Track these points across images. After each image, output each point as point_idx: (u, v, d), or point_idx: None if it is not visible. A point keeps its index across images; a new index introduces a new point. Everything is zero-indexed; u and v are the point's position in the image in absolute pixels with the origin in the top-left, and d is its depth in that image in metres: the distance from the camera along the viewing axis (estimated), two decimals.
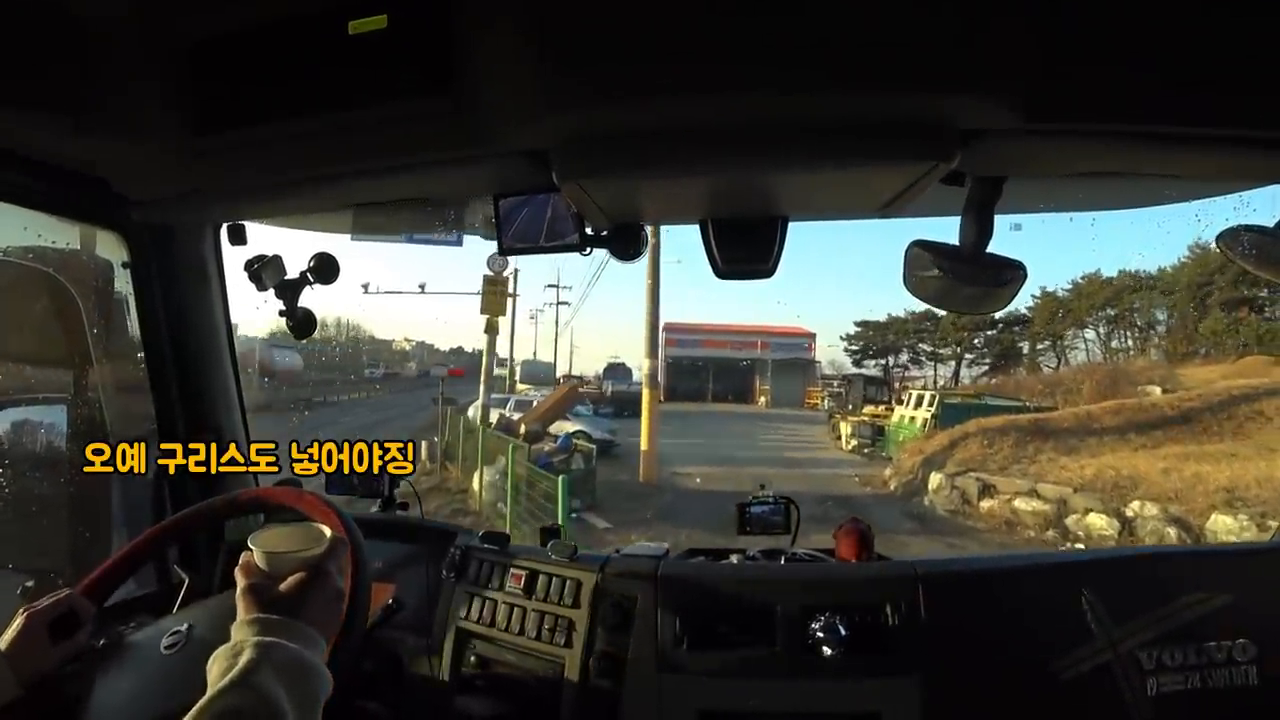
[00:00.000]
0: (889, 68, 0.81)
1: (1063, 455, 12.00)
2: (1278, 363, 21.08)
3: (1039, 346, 32.31)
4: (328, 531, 0.85)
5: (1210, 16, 0.77)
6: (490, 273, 12.96)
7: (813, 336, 36.76)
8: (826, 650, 1.22)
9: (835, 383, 29.60)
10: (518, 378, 24.85)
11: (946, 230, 1.10)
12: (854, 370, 33.77)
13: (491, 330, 13.76)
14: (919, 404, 17.50)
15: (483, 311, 13.28)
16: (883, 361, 37.03)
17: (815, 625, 1.24)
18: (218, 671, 0.68)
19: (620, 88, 0.86)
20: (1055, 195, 1.30)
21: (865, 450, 17.69)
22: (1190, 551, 1.87)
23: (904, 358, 36.93)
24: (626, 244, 1.28)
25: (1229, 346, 24.71)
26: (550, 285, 35.27)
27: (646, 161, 0.95)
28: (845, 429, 19.54)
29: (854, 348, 37.85)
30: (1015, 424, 13.65)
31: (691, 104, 0.87)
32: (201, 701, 0.65)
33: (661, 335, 35.90)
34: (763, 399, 33.65)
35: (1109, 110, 0.83)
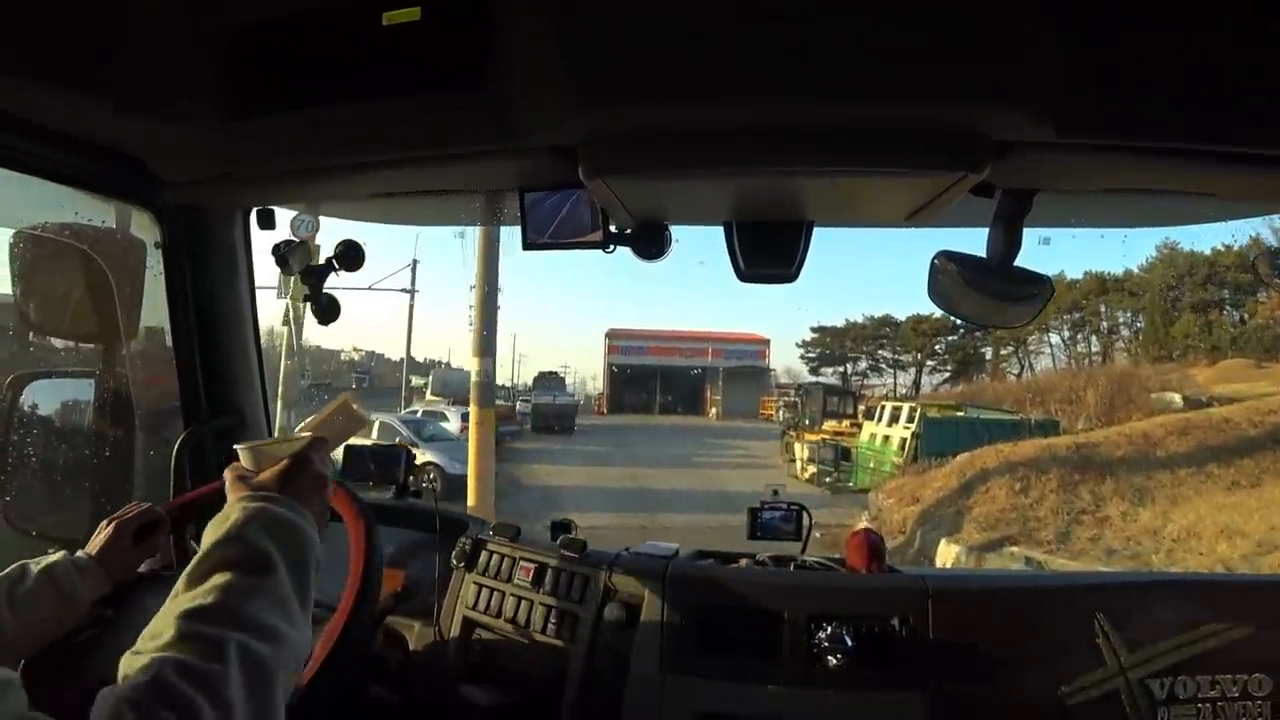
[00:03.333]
0: (921, 77, 0.80)
1: (1140, 506, 8.06)
2: (1258, 365, 19.85)
3: (1003, 352, 31.35)
4: (305, 436, 0.91)
5: (1244, 35, 0.75)
6: (295, 239, 5.94)
7: (767, 343, 35.16)
8: (831, 660, 1.21)
9: (791, 392, 26.45)
10: (429, 389, 22.69)
11: (966, 240, 1.09)
12: (811, 379, 31.17)
13: (295, 320, 9.66)
14: (894, 419, 14.13)
15: (281, 295, 8.92)
16: (841, 369, 35.56)
17: (822, 634, 1.23)
18: (210, 536, 0.71)
19: (651, 87, 0.86)
20: (1086, 210, 1.28)
21: (826, 479, 13.81)
22: (1209, 580, 1.83)
23: (863, 365, 35.56)
24: (650, 243, 1.28)
25: (1201, 350, 23.59)
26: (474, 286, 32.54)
27: (674, 161, 0.95)
28: (801, 450, 15.46)
29: (811, 355, 36.37)
30: (1052, 452, 9.47)
31: (722, 106, 0.87)
32: (195, 559, 0.68)
33: (604, 342, 34.72)
34: (714, 410, 31.91)
35: (1142, 126, 0.82)
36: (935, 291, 1.07)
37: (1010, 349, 31.03)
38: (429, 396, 21.39)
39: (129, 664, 0.59)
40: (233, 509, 0.74)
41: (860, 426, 16.15)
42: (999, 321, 1.14)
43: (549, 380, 27.52)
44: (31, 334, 1.64)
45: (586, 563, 1.40)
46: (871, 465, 13.66)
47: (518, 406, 24.56)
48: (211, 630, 0.61)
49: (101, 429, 1.58)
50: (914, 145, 0.88)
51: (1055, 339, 30.24)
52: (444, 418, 15.89)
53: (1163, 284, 26.01)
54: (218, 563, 0.67)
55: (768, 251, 1.25)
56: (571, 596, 1.37)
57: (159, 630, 0.61)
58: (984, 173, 0.90)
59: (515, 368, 36.71)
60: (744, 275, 1.27)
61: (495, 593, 1.43)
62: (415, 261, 21.69)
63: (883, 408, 15.40)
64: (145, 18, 0.99)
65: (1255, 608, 1.26)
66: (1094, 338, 29.68)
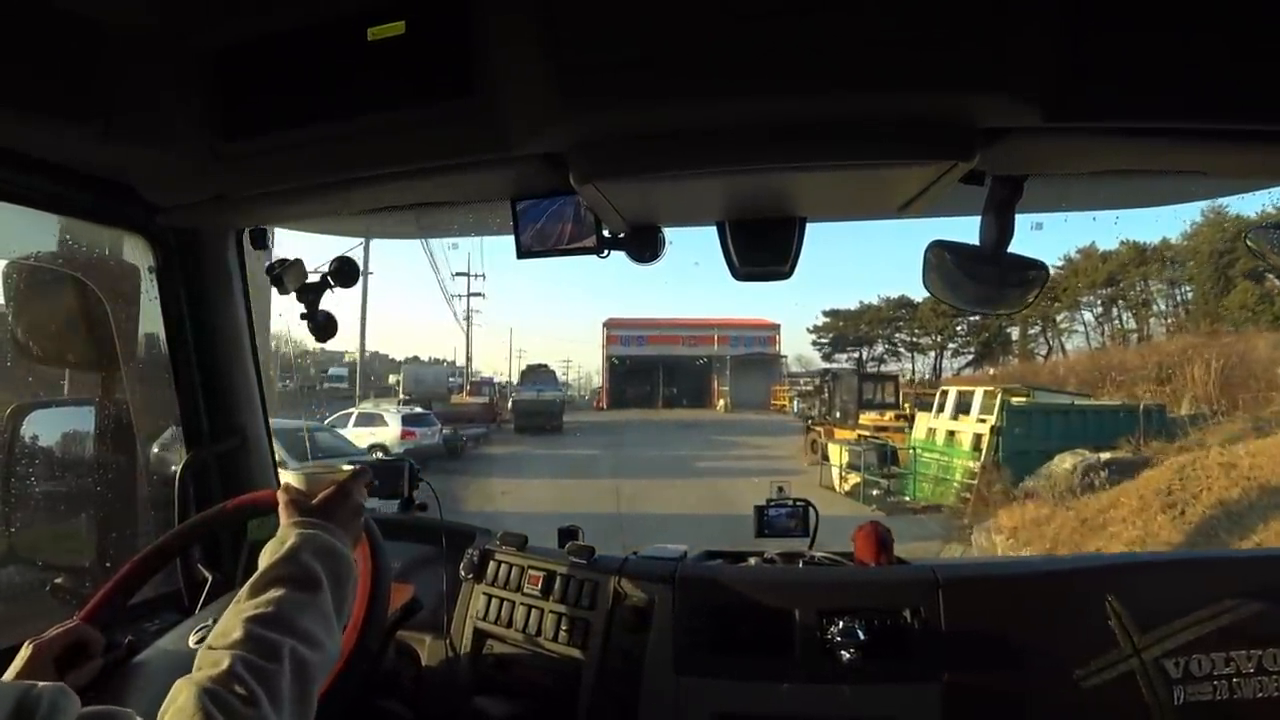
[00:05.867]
0: (908, 67, 0.81)
1: None
2: None
3: (1030, 331, 29.29)
4: (348, 468, 1.03)
5: (1228, 10, 0.75)
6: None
7: (777, 328, 33.03)
8: (845, 655, 1.21)
9: (802, 380, 24.03)
10: (401, 387, 20.79)
11: (958, 229, 1.08)
12: (823, 365, 29.19)
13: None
14: (962, 409, 11.01)
15: None
16: (856, 354, 33.55)
17: (834, 629, 1.23)
18: (269, 555, 0.83)
19: (638, 90, 0.86)
20: (1077, 194, 1.28)
21: (874, 492, 10.65)
22: (1220, 558, 1.82)
23: (879, 349, 33.60)
24: (644, 246, 1.28)
25: (1263, 321, 20.68)
26: (460, 274, 29.52)
27: (664, 163, 0.95)
28: (839, 454, 12.01)
29: (823, 340, 34.33)
30: None
31: (709, 106, 0.87)
32: (254, 577, 0.79)
33: (602, 332, 33.09)
34: (722, 402, 29.94)
35: (1130, 107, 0.82)
36: (931, 281, 1.08)
37: (1038, 328, 29.14)
38: (401, 396, 20.19)
39: (204, 658, 0.69)
40: (288, 533, 0.85)
41: (908, 419, 13.12)
42: (996, 308, 1.14)
43: (537, 374, 25.03)
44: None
45: (595, 569, 1.40)
46: (934, 472, 10.78)
47: (509, 405, 23.28)
48: (271, 635, 0.72)
49: (104, 456, 1.58)
50: (903, 136, 0.88)
51: (1088, 316, 28.18)
52: (381, 421, 14.72)
53: (1211, 250, 23.57)
54: (275, 579, 0.78)
55: (762, 249, 1.25)
56: (581, 603, 1.37)
57: (228, 630, 0.72)
58: (974, 160, 0.90)
59: (512, 363, 35.46)
60: (739, 274, 1.27)
61: (505, 603, 1.43)
62: (366, 241, 19.77)
63: (945, 394, 12.24)
64: (128, 44, 0.99)
65: (1267, 583, 1.25)
66: (1129, 314, 27.25)
